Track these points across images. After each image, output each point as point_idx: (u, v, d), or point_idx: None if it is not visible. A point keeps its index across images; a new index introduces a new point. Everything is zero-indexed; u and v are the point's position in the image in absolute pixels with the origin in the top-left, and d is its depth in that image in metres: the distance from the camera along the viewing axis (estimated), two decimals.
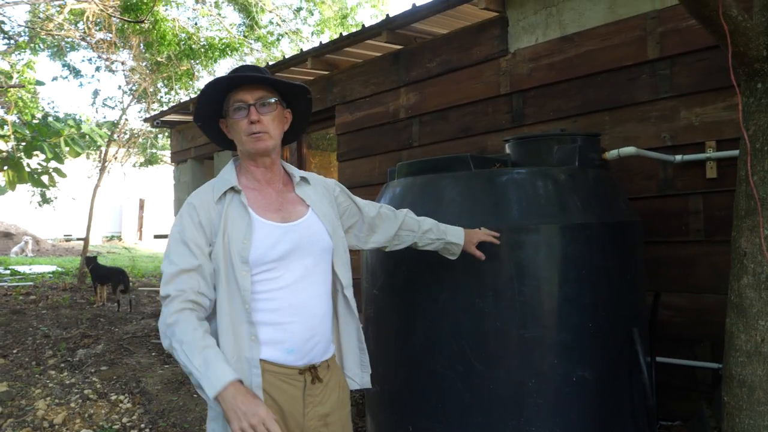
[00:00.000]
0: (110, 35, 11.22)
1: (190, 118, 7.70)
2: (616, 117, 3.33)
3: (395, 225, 2.07)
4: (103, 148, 12.01)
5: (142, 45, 11.30)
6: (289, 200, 1.78)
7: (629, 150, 2.84)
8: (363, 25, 4.48)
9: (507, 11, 3.86)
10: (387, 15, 4.30)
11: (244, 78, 1.70)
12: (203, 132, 1.85)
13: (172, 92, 12.66)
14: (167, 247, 1.68)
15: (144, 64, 12.17)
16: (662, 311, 3.06)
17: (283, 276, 1.67)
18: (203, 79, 13.77)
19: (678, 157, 3.01)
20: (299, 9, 14.84)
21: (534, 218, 2.25)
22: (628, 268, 2.41)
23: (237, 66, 1.78)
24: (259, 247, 1.63)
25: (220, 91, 1.72)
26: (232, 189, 1.70)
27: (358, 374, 1.91)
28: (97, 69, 14.47)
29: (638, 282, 2.49)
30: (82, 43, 12.07)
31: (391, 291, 2.51)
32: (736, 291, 1.89)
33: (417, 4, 3.99)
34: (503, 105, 3.91)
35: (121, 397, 4.45)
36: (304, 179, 1.85)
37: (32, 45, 11.31)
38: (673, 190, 3.11)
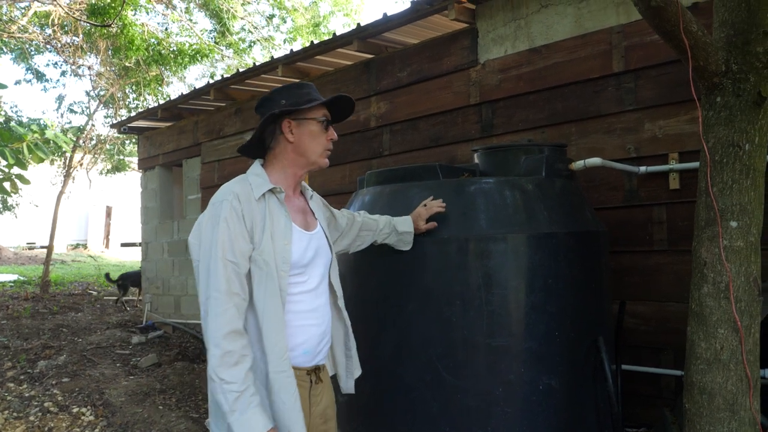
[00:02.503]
0: (77, 39, 11.01)
1: (158, 124, 7.59)
2: (582, 128, 3.38)
3: (356, 228, 2.21)
4: (68, 154, 11.76)
5: (110, 50, 11.10)
6: (306, 210, 1.89)
7: (595, 161, 2.89)
8: (335, 34, 4.48)
9: (477, 23, 3.90)
10: (358, 24, 4.31)
11: (350, 102, 1.88)
12: (260, 111, 1.82)
13: (141, 98, 12.46)
14: (214, 233, 1.63)
15: (111, 69, 11.96)
16: (627, 319, 3.11)
17: (308, 281, 1.77)
18: (173, 84, 13.62)
19: (642, 169, 3.07)
20: (272, 16, 14.79)
21: (501, 227, 2.27)
22: (594, 277, 2.45)
23: (304, 82, 1.88)
24: (297, 250, 1.72)
25: (313, 101, 1.79)
26: (271, 190, 1.74)
27: (343, 378, 2.01)
28: (63, 73, 14.19)
29: (604, 291, 2.53)
30: (48, 46, 11.82)
31: (359, 300, 2.49)
32: (696, 300, 1.93)
33: (388, 14, 4.02)
34: (473, 115, 3.94)
35: (84, 410, 4.34)
36: (312, 195, 1.97)
37: None
38: (637, 201, 3.17)
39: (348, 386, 2.01)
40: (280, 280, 1.66)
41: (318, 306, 1.79)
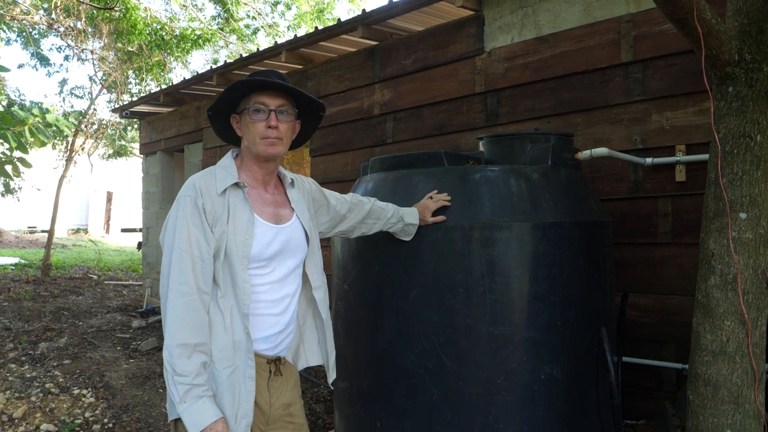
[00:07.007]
0: (80, 23, 10.94)
1: (160, 109, 7.56)
2: (588, 118, 3.35)
3: (361, 214, 2.18)
4: (70, 139, 11.72)
5: (113, 34, 11.02)
6: (279, 203, 1.85)
7: (601, 151, 2.86)
8: (339, 20, 4.44)
9: (483, 10, 3.86)
10: (363, 10, 4.27)
11: (273, 84, 1.73)
12: (211, 123, 1.87)
13: (143, 83, 12.40)
14: (176, 229, 1.64)
15: (114, 53, 11.89)
16: (630, 311, 3.09)
17: (270, 274, 1.75)
18: (175, 70, 13.54)
19: (648, 160, 3.05)
20: (276, 3, 14.69)
21: (506, 216, 2.25)
22: (598, 268, 2.43)
23: (263, 70, 1.83)
24: (258, 244, 1.70)
25: (243, 89, 1.75)
26: (236, 184, 1.73)
27: (327, 371, 1.99)
28: (66, 58, 14.11)
29: (607, 282, 2.51)
30: (51, 30, 11.74)
31: (362, 286, 2.48)
32: (703, 291, 1.91)
33: (394, 0, 3.97)
34: (478, 103, 3.91)
35: (84, 392, 4.35)
36: (292, 182, 1.92)
37: None
38: (642, 192, 3.14)
39: (330, 380, 2.01)
40: (241, 275, 1.66)
41: (281, 297, 1.78)
